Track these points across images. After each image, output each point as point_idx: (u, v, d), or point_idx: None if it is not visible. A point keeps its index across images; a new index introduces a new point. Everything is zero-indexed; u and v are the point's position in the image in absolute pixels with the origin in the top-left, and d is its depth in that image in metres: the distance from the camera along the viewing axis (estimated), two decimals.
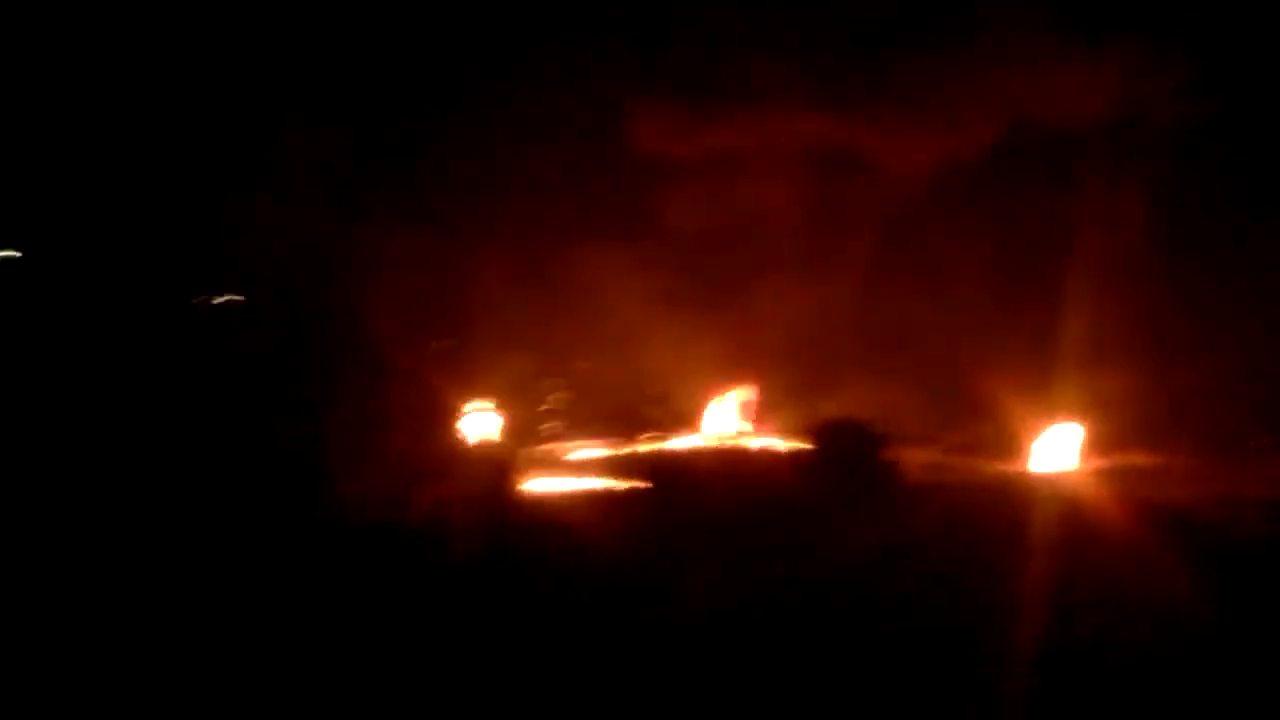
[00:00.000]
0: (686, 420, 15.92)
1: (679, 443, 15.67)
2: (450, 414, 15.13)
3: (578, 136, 15.86)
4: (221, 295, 15.06)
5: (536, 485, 14.61)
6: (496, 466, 14.27)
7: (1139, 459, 14.80)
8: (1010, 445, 15.36)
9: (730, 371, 16.20)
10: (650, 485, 14.38)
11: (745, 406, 16.15)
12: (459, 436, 15.18)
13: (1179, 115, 15.12)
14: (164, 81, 15.30)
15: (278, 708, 8.71)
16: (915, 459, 14.78)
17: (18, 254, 14.71)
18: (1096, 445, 15.15)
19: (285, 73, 15.37)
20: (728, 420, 16.08)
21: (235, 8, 15.49)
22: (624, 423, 15.86)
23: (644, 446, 15.56)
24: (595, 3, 15.81)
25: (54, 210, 14.97)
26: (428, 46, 15.93)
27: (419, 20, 15.80)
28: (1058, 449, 15.27)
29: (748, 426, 16.05)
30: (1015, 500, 13.06)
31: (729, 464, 14.94)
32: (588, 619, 10.25)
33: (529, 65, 15.83)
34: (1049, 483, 14.57)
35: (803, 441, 15.10)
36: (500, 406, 15.69)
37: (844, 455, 14.30)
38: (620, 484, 14.52)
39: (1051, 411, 15.11)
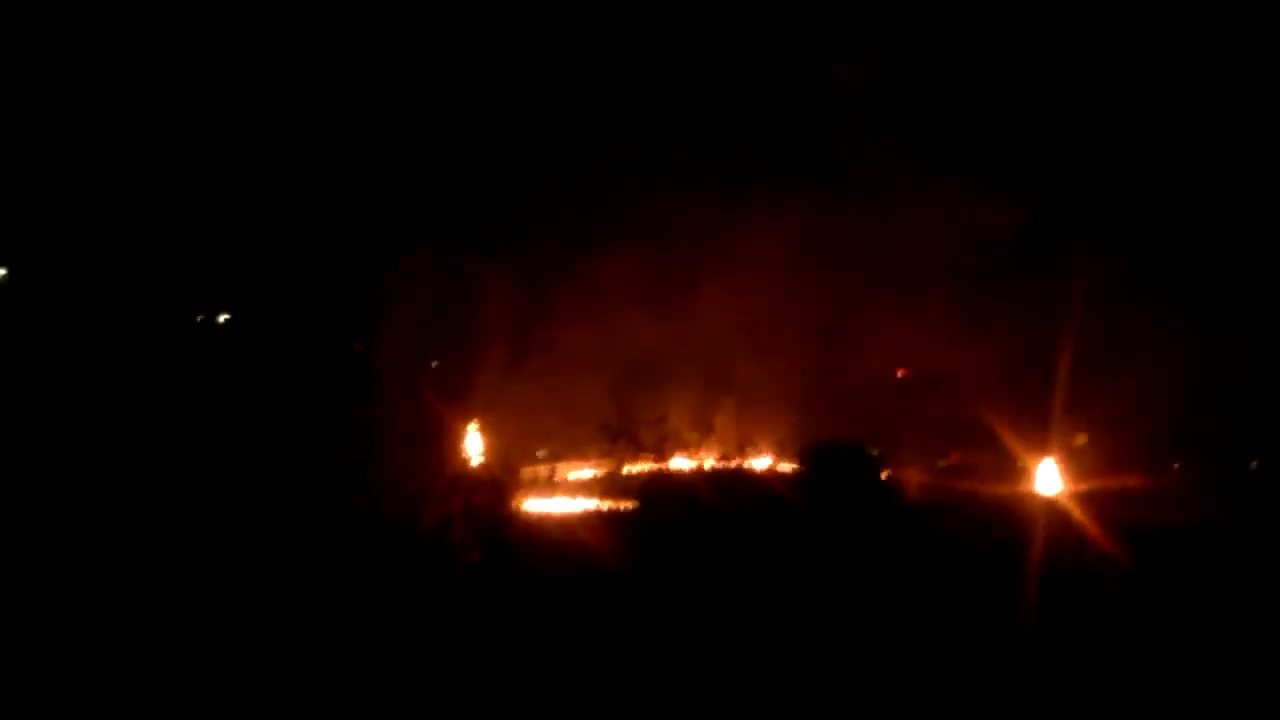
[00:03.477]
0: (682, 443, 15.93)
1: (674, 464, 15.68)
2: (451, 435, 15.18)
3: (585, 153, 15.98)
4: (221, 313, 15.07)
5: (534, 505, 14.66)
6: (495, 487, 14.29)
7: (1137, 480, 14.90)
8: (1008, 467, 15.46)
9: (726, 394, 16.26)
10: (645, 505, 14.39)
11: (742, 428, 16.18)
12: (460, 457, 15.23)
13: None
14: (169, 90, 15.25)
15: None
16: (911, 479, 14.84)
17: (4, 271, 14.67)
18: (1095, 466, 15.23)
19: (287, 92, 15.40)
20: (724, 442, 16.09)
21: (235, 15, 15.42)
22: (619, 444, 15.85)
23: (639, 467, 15.58)
24: None
25: (46, 227, 14.91)
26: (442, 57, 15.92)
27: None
28: (1056, 471, 15.33)
29: (743, 447, 16.05)
30: (1015, 522, 13.12)
31: (724, 483, 14.95)
32: (586, 634, 10.34)
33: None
34: (1048, 504, 14.63)
35: (797, 462, 15.13)
36: (498, 428, 15.74)
37: (839, 475, 14.33)
38: (615, 504, 14.55)
39: (1050, 433, 15.18)
